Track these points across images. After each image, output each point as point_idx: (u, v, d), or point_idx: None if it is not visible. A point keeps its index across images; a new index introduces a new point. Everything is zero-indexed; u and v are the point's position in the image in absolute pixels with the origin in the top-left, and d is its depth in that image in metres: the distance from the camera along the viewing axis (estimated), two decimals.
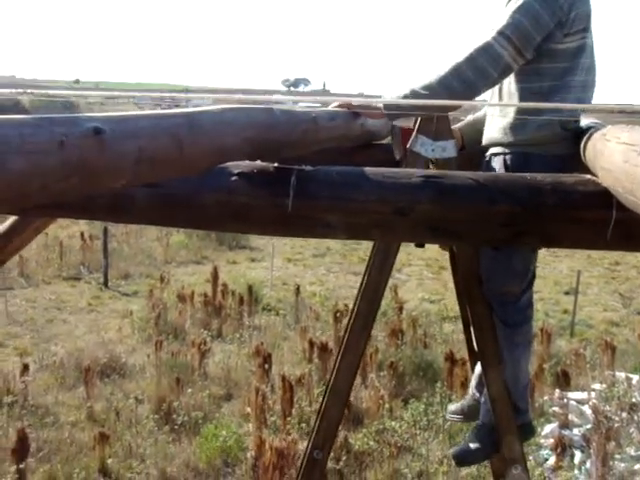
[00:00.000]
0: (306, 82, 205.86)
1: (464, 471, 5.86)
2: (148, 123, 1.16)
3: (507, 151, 2.73)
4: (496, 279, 2.77)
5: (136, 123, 1.12)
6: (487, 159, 2.84)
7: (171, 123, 1.21)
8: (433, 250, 12.11)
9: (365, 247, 14.94)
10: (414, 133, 2.56)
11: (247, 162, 1.85)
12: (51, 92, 2.30)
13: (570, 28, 2.56)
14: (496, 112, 2.79)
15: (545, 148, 2.63)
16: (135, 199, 1.83)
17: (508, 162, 2.71)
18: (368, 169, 1.91)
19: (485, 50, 2.48)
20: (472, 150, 2.94)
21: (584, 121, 2.61)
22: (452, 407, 3.56)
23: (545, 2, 2.51)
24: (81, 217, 2.10)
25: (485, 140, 2.86)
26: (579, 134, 2.43)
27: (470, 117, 3.15)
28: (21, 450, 5.95)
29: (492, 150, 2.81)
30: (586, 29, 2.62)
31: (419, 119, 2.57)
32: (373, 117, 2.70)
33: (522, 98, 2.68)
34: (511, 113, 2.70)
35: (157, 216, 1.94)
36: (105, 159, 1.02)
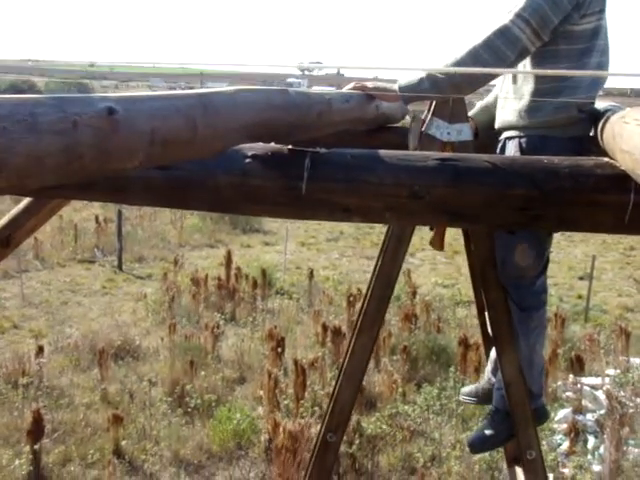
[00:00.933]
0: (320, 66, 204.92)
1: (477, 456, 5.85)
2: (162, 104, 1.15)
3: (522, 134, 2.69)
4: (511, 263, 2.74)
5: (150, 103, 1.11)
6: (501, 143, 2.80)
7: (185, 104, 1.20)
8: (447, 235, 12.08)
9: (378, 231, 14.91)
10: (429, 116, 2.53)
11: (261, 144, 1.83)
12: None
13: (587, 9, 2.52)
14: (510, 95, 2.75)
15: (561, 130, 2.60)
16: (149, 181, 1.82)
17: (524, 145, 2.67)
18: (383, 152, 1.89)
19: (502, 33, 2.44)
20: (485, 135, 2.91)
21: (601, 104, 2.57)
22: (466, 389, 3.55)
23: None
24: (95, 199, 2.09)
25: (498, 124, 2.82)
26: (596, 116, 2.41)
27: (481, 102, 3.12)
28: (36, 431, 6.01)
29: (506, 134, 2.77)
30: (602, 10, 2.58)
31: (434, 102, 2.54)
32: (387, 100, 2.67)
33: (538, 81, 2.64)
34: (526, 96, 2.66)
35: (171, 198, 1.93)
36: (118, 139, 1.01)
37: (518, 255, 2.70)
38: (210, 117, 1.27)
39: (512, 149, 2.71)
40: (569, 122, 2.60)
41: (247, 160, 1.83)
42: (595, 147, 2.30)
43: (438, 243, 2.84)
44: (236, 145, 1.61)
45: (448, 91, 2.45)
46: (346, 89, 2.57)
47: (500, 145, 2.81)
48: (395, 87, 2.53)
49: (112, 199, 2.12)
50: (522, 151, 2.65)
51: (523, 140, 2.69)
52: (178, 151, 1.28)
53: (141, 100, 1.09)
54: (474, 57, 2.43)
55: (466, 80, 2.44)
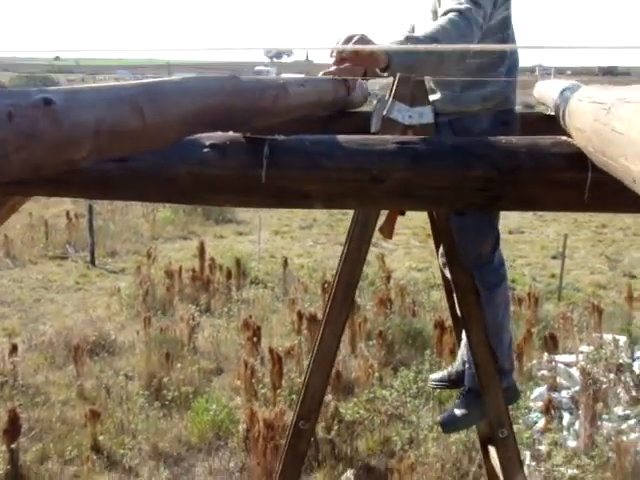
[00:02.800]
0: (289, 53, 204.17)
1: (454, 437, 5.91)
2: (105, 94, 1.12)
3: (452, 118, 2.73)
4: (468, 243, 2.77)
5: (92, 94, 1.09)
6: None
7: (130, 93, 1.18)
8: (420, 219, 12.09)
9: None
10: (390, 99, 2.52)
11: (219, 133, 1.82)
12: None
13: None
14: (439, 87, 2.77)
15: (490, 109, 2.70)
16: (105, 174, 1.80)
17: (455, 125, 2.71)
18: (342, 137, 1.88)
19: (464, 16, 2.42)
20: None
21: (561, 82, 2.59)
22: (436, 375, 3.58)
23: None
24: (52, 194, 2.07)
25: None
26: None
27: None
28: (12, 430, 5.95)
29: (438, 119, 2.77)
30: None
31: (395, 85, 2.53)
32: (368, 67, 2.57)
33: (466, 74, 2.66)
34: (455, 86, 2.70)
35: (129, 191, 1.91)
36: (59, 130, 0.99)
37: (473, 235, 2.73)
38: (158, 105, 1.25)
39: (444, 131, 2.72)
40: (497, 103, 2.69)
41: (205, 150, 1.82)
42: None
43: (388, 231, 2.84)
44: (190, 135, 1.59)
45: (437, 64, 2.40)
46: (320, 75, 2.57)
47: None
48: (382, 56, 2.24)
49: (69, 194, 2.10)
50: (454, 132, 2.67)
51: (454, 121, 2.72)
52: (128, 141, 1.25)
53: (82, 91, 1.07)
54: (444, 33, 2.34)
55: (438, 55, 2.36)
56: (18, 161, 0.97)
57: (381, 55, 2.19)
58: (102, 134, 1.11)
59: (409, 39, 2.30)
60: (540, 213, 15.04)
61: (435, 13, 2.63)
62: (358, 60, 2.34)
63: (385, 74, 2.37)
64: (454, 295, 2.91)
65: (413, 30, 2.89)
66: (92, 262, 12.51)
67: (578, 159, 1.70)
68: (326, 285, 9.30)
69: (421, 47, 2.13)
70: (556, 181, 1.79)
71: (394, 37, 2.37)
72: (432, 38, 2.28)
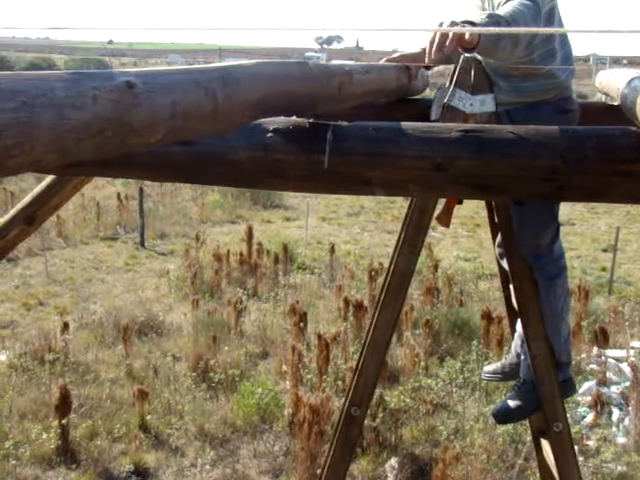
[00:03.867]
0: (339, 39, 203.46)
1: (500, 428, 5.86)
2: (181, 77, 1.13)
3: (510, 107, 2.68)
4: (527, 233, 2.73)
5: (169, 77, 1.10)
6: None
7: (205, 77, 1.19)
8: (468, 208, 12.02)
9: (399, 205, 14.86)
10: (451, 87, 2.49)
11: (282, 118, 1.82)
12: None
13: None
14: (498, 76, 2.71)
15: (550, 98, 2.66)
16: (170, 157, 1.82)
17: (512, 115, 2.66)
18: (405, 124, 1.86)
19: (535, 1, 2.37)
20: None
21: (628, 72, 2.54)
22: (490, 367, 3.54)
23: None
24: (117, 175, 2.10)
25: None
26: None
27: None
28: (63, 406, 6.08)
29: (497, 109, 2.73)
30: None
31: (456, 73, 2.51)
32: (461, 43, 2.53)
33: (528, 62, 2.62)
34: (515, 77, 2.64)
35: (192, 174, 1.93)
36: (139, 113, 1.00)
37: (532, 225, 2.69)
38: (230, 89, 1.25)
39: (503, 121, 2.67)
40: (557, 93, 2.65)
41: (269, 134, 1.82)
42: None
43: (445, 220, 2.82)
44: (257, 119, 1.60)
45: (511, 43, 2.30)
46: (382, 61, 2.56)
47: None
48: (466, 33, 2.06)
49: (134, 175, 2.12)
50: (512, 122, 2.62)
51: (512, 111, 2.67)
52: (200, 124, 1.27)
53: (160, 74, 1.08)
54: (520, 17, 2.27)
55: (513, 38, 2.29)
56: (95, 144, 0.98)
57: (474, 36, 2.07)
58: (177, 117, 1.12)
59: (492, 17, 2.19)
60: (592, 204, 14.77)
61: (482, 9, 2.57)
62: (456, 43, 2.09)
63: (467, 54, 2.30)
64: (510, 286, 2.87)
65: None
66: (142, 244, 12.68)
67: None
68: (373, 272, 9.30)
69: (506, 30, 2.08)
70: (624, 172, 1.76)
71: (470, 15, 2.22)
72: (512, 19, 2.21)
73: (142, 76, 1.02)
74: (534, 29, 2.26)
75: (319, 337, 7.08)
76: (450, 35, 1.99)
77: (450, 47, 2.00)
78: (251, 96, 1.40)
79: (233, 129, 1.46)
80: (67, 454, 6.08)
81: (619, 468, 5.51)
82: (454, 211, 2.88)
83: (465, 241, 13.30)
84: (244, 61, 1.51)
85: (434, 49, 1.99)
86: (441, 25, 2.05)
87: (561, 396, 2.83)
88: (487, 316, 7.75)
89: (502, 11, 2.26)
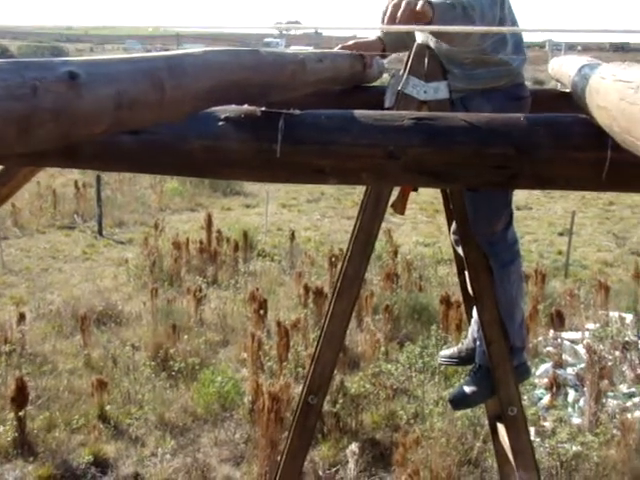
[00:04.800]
0: (297, 23, 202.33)
1: (459, 412, 5.92)
2: (127, 67, 1.11)
3: (463, 95, 2.69)
4: (481, 220, 2.75)
5: (114, 67, 1.08)
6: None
7: (151, 66, 1.16)
8: (427, 194, 12.08)
9: (359, 191, 14.78)
10: (405, 74, 2.50)
11: (234, 106, 1.80)
12: None
13: None
14: (451, 64, 2.72)
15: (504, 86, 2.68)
16: (120, 146, 1.79)
17: (466, 102, 2.68)
18: (358, 112, 1.86)
19: None
20: None
21: (578, 59, 2.56)
22: (446, 352, 3.57)
23: None
24: (66, 165, 2.05)
25: None
26: None
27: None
28: (20, 398, 6.00)
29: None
30: None
31: (410, 60, 2.51)
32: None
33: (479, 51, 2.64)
34: (467, 64, 2.66)
35: (143, 163, 1.90)
36: (83, 104, 0.98)
37: (486, 212, 2.72)
38: (178, 78, 1.23)
39: (457, 109, 2.69)
40: (509, 80, 2.69)
41: (220, 123, 1.80)
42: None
43: (400, 207, 2.82)
44: (207, 107, 1.58)
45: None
46: (336, 49, 2.55)
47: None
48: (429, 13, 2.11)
49: (83, 165, 2.09)
50: (466, 109, 2.63)
51: (465, 98, 2.69)
52: (147, 114, 1.25)
53: (105, 64, 1.06)
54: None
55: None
56: (39, 135, 0.96)
57: (427, 10, 2.09)
58: (123, 108, 1.10)
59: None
60: (548, 190, 14.97)
61: None
62: (409, 14, 2.11)
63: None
64: (465, 272, 2.90)
65: None
66: (100, 232, 12.53)
67: (598, 138, 1.68)
68: (333, 259, 9.31)
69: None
70: (575, 160, 1.77)
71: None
72: (469, 3, 2.26)
73: (86, 66, 1.00)
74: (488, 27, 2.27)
75: (279, 324, 7.09)
76: (402, 5, 2.02)
77: (403, 17, 2.02)
78: (201, 85, 1.39)
79: (182, 118, 1.45)
80: (24, 446, 6.00)
81: (574, 448, 5.61)
82: (411, 198, 2.89)
83: (424, 227, 13.39)
84: (198, 49, 1.49)
85: (386, 19, 2.02)
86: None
87: (516, 381, 2.87)
88: (446, 301, 7.83)
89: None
